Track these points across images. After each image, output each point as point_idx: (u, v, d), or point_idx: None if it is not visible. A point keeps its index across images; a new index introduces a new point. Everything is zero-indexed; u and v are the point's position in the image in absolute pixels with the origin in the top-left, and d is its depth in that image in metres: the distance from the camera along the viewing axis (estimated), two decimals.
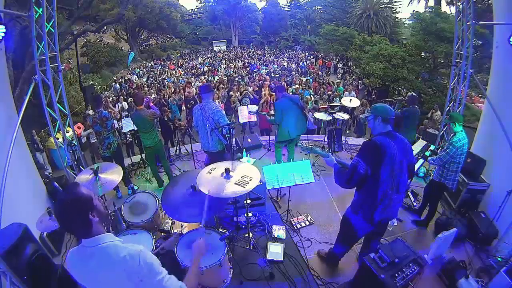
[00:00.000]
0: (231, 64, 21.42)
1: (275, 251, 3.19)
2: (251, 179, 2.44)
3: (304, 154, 5.26)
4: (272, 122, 4.57)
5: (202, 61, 23.89)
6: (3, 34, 2.73)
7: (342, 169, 2.30)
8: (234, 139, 4.73)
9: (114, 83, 14.47)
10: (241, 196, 3.00)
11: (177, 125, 6.73)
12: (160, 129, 7.24)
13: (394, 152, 2.10)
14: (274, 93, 4.75)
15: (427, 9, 14.86)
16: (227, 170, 2.46)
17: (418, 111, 4.56)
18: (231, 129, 3.51)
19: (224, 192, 2.32)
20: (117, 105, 9.17)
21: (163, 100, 9.15)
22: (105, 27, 23.72)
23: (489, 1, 9.38)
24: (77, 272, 1.26)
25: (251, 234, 3.23)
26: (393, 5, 24.39)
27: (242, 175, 2.49)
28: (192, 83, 12.84)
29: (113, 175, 2.93)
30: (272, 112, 5.12)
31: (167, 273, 1.24)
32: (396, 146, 2.12)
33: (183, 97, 9.41)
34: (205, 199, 2.19)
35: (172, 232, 3.06)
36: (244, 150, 5.33)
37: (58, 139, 4.22)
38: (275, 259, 3.10)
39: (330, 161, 2.41)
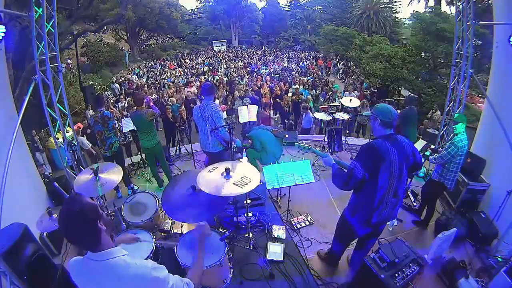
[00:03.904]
0: (231, 64, 21.42)
1: (275, 251, 3.19)
2: (250, 181, 2.44)
3: (302, 154, 5.25)
4: (257, 151, 4.34)
5: (202, 61, 23.88)
6: (3, 34, 2.74)
7: (340, 171, 2.25)
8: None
9: (112, 84, 14.43)
10: (241, 196, 3.01)
11: (177, 124, 6.71)
12: (162, 128, 7.22)
13: (393, 157, 2.05)
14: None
15: (427, 9, 14.85)
16: (227, 170, 2.46)
17: (415, 111, 4.55)
18: (231, 129, 3.50)
19: (222, 191, 2.32)
20: (117, 105, 9.15)
21: (162, 100, 9.13)
22: (105, 27, 23.70)
23: (489, 1, 9.37)
24: (81, 282, 1.24)
25: (251, 234, 3.23)
26: (393, 5, 24.43)
27: (242, 176, 2.49)
28: (192, 83, 12.83)
29: (113, 175, 2.93)
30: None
31: (171, 277, 1.25)
32: (396, 151, 2.07)
33: (184, 96, 9.41)
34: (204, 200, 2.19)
35: (172, 232, 3.06)
36: (244, 150, 5.32)
37: (58, 139, 4.21)
38: (275, 259, 3.10)
39: (328, 161, 2.38)
